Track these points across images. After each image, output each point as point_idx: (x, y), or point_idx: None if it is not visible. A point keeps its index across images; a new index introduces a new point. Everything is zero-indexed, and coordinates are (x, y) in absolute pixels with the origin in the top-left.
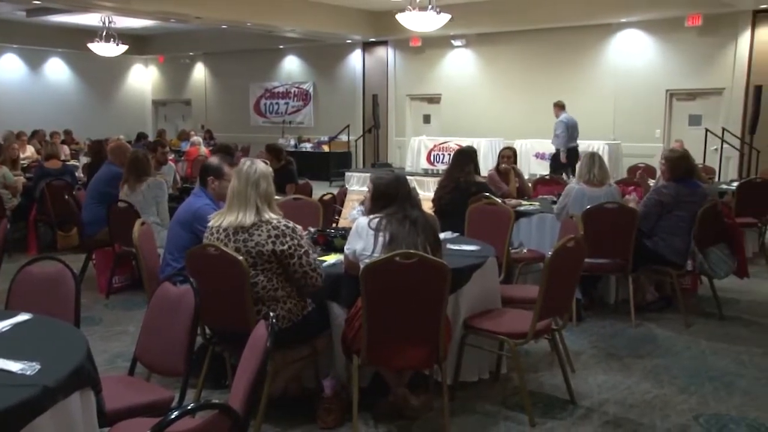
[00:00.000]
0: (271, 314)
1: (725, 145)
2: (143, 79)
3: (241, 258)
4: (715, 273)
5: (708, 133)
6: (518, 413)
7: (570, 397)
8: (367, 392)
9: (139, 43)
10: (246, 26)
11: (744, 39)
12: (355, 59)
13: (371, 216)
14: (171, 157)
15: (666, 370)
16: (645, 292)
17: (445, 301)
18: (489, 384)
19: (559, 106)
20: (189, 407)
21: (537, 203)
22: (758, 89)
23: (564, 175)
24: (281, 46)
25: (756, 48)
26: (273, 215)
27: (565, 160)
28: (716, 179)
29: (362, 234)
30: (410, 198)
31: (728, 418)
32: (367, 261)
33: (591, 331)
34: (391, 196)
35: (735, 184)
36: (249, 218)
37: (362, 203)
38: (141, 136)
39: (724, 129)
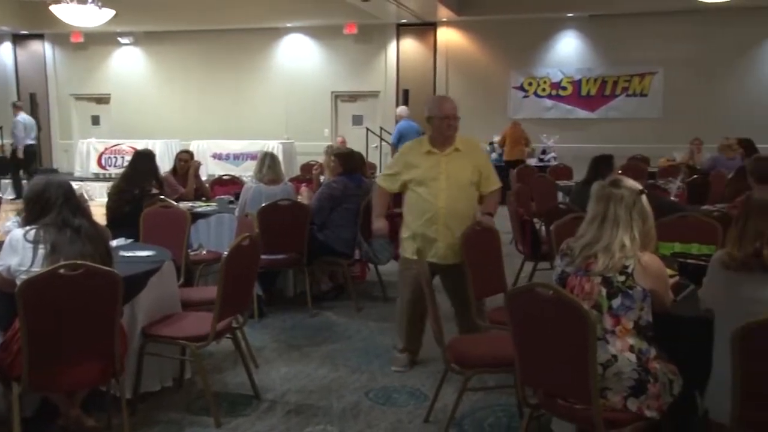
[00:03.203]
0: None
1: (383, 143)
2: None
3: None
4: (379, 259)
5: (368, 131)
6: (204, 416)
7: (254, 393)
8: (30, 421)
9: None
10: None
11: (392, 48)
12: (4, 53)
13: (27, 227)
14: None
15: (341, 353)
16: (320, 282)
17: (119, 312)
18: (173, 391)
19: (18, 107)
20: None
21: (215, 204)
22: (406, 92)
23: None
24: None
25: (401, 56)
26: None
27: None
28: (377, 174)
29: (17, 248)
30: (70, 204)
31: (392, 389)
32: (24, 276)
33: (273, 325)
34: (45, 203)
35: None
36: None
37: (19, 213)
38: None
39: (381, 128)
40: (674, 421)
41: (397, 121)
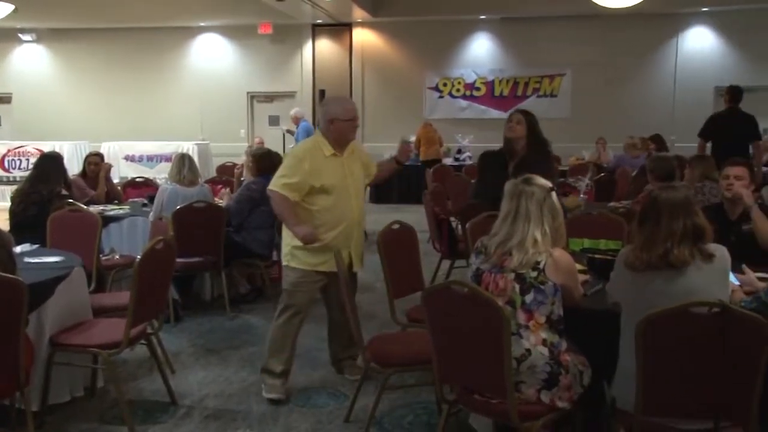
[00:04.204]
0: None
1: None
2: None
3: None
4: None
5: (287, 132)
6: (118, 426)
7: (171, 399)
8: None
9: None
10: None
11: (308, 48)
12: None
13: None
14: None
15: (260, 356)
16: (238, 284)
17: (23, 321)
18: (84, 401)
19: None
20: None
21: (127, 207)
22: (322, 93)
23: None
24: None
25: (317, 57)
26: None
27: None
28: None
29: None
30: None
31: (312, 390)
32: None
33: (190, 330)
34: None
35: None
36: None
37: None
38: None
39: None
40: (584, 410)
41: (295, 123)
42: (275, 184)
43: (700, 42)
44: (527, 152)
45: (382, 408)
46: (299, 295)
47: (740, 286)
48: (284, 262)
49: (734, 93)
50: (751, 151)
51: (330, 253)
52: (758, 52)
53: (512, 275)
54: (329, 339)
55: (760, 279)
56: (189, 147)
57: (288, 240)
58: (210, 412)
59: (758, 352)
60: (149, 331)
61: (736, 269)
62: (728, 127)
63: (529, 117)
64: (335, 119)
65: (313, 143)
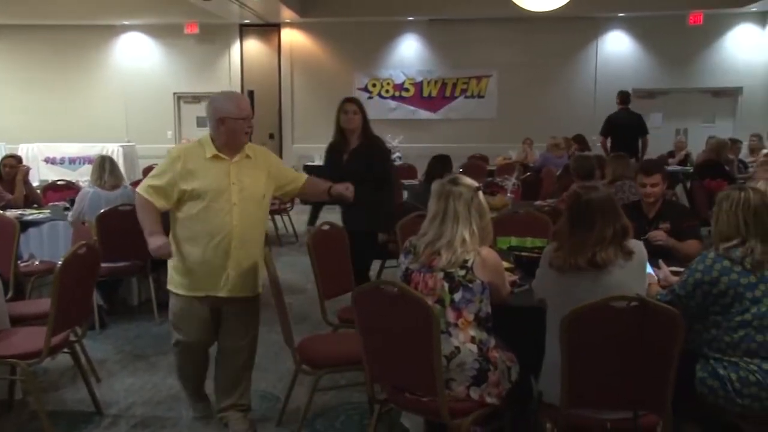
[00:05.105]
0: None
1: None
2: None
3: None
4: None
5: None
6: None
7: (96, 408)
8: None
9: None
10: None
11: (236, 49)
12: None
13: None
14: None
15: None
16: (167, 288)
17: None
18: (1, 414)
19: None
20: None
21: (48, 211)
22: (251, 93)
23: None
24: None
25: (246, 57)
26: None
27: None
28: None
29: None
30: None
31: None
32: None
33: (116, 336)
34: None
35: None
36: None
37: None
38: None
39: None
40: (512, 405)
41: None
42: (142, 186)
43: (617, 46)
44: (361, 142)
45: (314, 409)
46: (186, 327)
47: (657, 280)
48: (167, 286)
49: (624, 96)
50: (639, 143)
51: (215, 275)
52: (669, 56)
53: (441, 274)
54: (215, 376)
55: (674, 273)
56: (114, 149)
57: (171, 260)
58: (138, 420)
59: (672, 343)
60: (72, 338)
61: (653, 264)
62: (622, 125)
63: (362, 105)
64: (227, 118)
65: (196, 144)
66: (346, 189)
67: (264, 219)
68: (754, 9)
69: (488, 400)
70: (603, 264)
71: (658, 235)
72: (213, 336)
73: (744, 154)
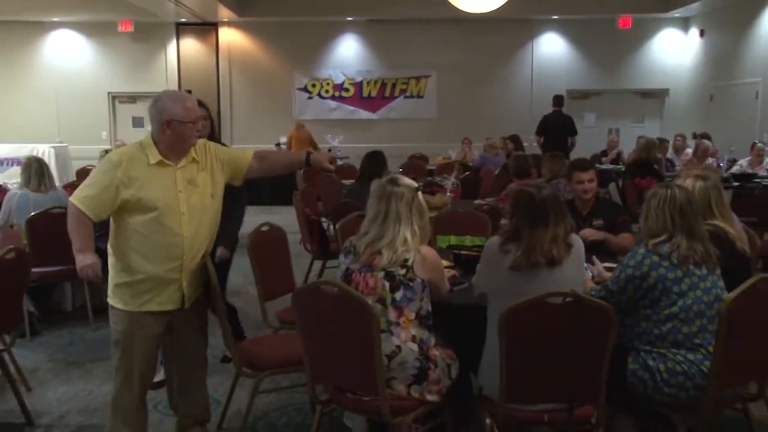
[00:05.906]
0: None
1: None
2: None
3: None
4: None
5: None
6: None
7: (26, 419)
8: None
9: None
10: None
11: (172, 48)
12: None
13: None
14: None
15: None
16: (103, 293)
17: None
18: None
19: None
20: None
21: None
22: (189, 93)
23: None
24: None
25: (182, 56)
26: None
27: None
28: None
29: None
30: None
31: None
32: None
33: (48, 343)
34: None
35: None
36: None
37: None
38: None
39: None
40: (453, 401)
41: None
42: (76, 195)
43: (552, 47)
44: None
45: (256, 412)
46: (132, 349)
47: (591, 276)
48: (108, 301)
49: (558, 99)
50: (569, 142)
51: (163, 287)
52: (601, 58)
53: (382, 273)
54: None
55: (607, 269)
56: (45, 150)
57: (112, 272)
58: (72, 429)
59: (605, 337)
60: (0, 347)
61: (587, 261)
62: (555, 125)
63: (209, 110)
64: (172, 120)
65: (137, 147)
66: (328, 159)
67: (216, 219)
68: (677, 14)
69: (429, 397)
70: (558, 260)
71: (588, 234)
72: (154, 368)
73: (669, 153)
